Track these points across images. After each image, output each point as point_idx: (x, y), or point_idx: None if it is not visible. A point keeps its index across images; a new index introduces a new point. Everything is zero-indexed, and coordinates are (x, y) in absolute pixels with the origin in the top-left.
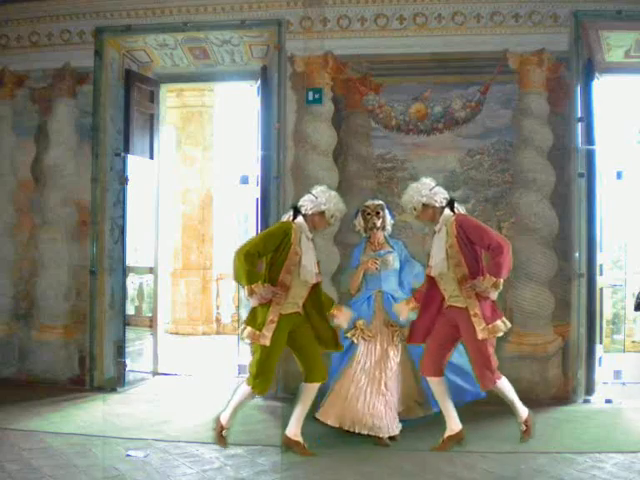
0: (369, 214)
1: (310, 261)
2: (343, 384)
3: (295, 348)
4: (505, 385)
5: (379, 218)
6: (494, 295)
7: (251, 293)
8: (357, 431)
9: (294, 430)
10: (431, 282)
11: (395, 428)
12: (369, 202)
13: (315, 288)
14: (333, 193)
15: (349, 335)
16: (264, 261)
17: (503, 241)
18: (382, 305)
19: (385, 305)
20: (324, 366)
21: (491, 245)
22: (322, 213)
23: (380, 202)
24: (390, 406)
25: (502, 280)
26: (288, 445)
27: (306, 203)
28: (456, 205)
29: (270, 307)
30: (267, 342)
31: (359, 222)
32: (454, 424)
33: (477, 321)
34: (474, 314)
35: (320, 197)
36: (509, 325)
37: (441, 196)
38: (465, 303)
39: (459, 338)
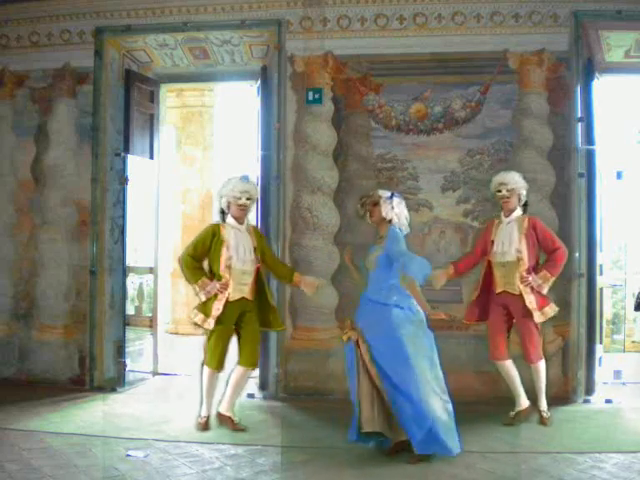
0: (363, 205)
1: (243, 250)
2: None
3: (239, 330)
4: (542, 368)
5: (373, 213)
6: (545, 289)
7: (200, 289)
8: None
9: (226, 406)
10: (489, 267)
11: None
12: (371, 193)
13: (258, 272)
14: (225, 181)
15: (343, 335)
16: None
17: (565, 249)
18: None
19: (360, 306)
20: (258, 354)
21: (557, 250)
22: (233, 201)
23: (379, 193)
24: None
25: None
26: (221, 420)
27: (221, 203)
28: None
29: (217, 297)
30: (210, 327)
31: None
32: (523, 401)
33: (533, 308)
34: (529, 302)
35: (223, 195)
36: (556, 309)
37: (523, 196)
38: (518, 291)
39: (512, 323)
